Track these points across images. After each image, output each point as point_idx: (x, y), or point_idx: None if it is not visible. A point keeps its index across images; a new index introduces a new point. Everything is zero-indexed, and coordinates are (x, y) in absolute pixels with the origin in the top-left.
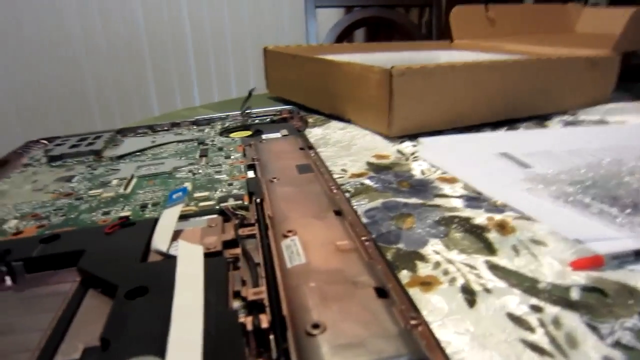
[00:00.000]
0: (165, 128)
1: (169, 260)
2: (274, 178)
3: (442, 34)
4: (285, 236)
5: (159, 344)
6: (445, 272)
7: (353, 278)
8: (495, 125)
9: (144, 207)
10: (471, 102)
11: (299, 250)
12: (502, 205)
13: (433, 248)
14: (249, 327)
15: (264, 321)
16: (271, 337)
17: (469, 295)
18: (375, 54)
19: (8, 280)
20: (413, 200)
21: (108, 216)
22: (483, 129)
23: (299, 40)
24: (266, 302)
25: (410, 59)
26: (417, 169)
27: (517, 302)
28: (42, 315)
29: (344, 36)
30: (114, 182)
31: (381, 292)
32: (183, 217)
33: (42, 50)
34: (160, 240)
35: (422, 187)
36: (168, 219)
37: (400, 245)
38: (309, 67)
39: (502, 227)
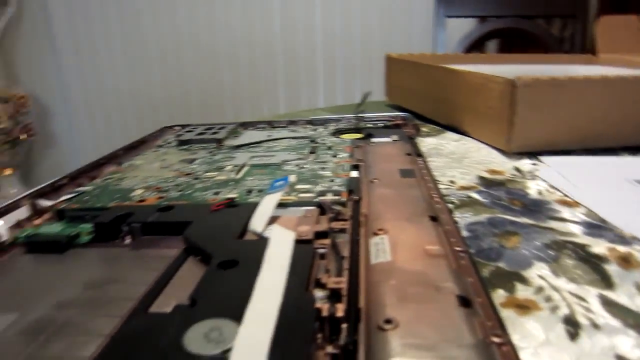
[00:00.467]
0: (283, 125)
1: (262, 241)
2: (375, 179)
3: (587, 49)
4: (376, 234)
5: (239, 312)
6: (548, 299)
7: (436, 283)
8: (635, 150)
9: (249, 191)
10: (608, 122)
11: (386, 248)
12: (630, 237)
13: (538, 272)
14: (325, 313)
15: (339, 310)
16: (344, 326)
17: (572, 328)
18: (505, 65)
19: (128, 239)
20: (523, 220)
21: (217, 196)
22: (619, 152)
23: (426, 50)
24: (344, 292)
25: (543, 72)
26: (533, 189)
27: (631, 344)
28: (149, 273)
29: (475, 48)
30: (228, 167)
31: (464, 301)
32: (283, 205)
33: (193, 51)
34: (257, 222)
35: (536, 208)
36: (267, 204)
37: (501, 264)
38: (429, 75)
39: (626, 261)
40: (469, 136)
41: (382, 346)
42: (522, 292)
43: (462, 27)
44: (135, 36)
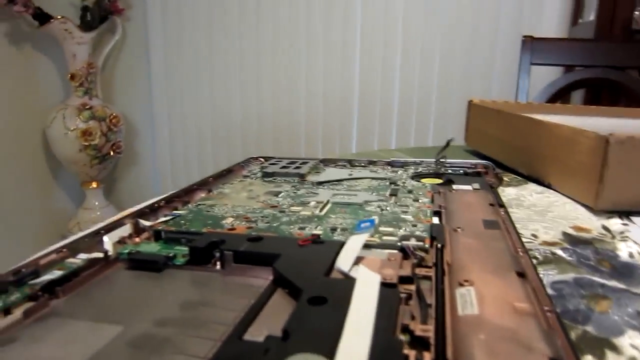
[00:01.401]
0: (362, 164)
1: (349, 281)
2: (458, 227)
3: None
4: (462, 285)
5: (330, 348)
6: None
7: (527, 342)
8: None
9: (334, 229)
10: None
11: (473, 300)
12: None
13: (631, 341)
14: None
15: (427, 358)
16: None
17: None
18: (592, 118)
19: (218, 265)
20: (613, 283)
21: (303, 231)
22: None
23: (507, 97)
24: (432, 341)
25: (636, 127)
26: (624, 250)
27: None
28: (238, 300)
29: (559, 97)
30: (312, 203)
31: None
32: (366, 246)
33: (273, 89)
34: (344, 261)
35: (627, 271)
36: (354, 244)
37: (589, 328)
38: (512, 124)
39: None
40: (552, 189)
41: None
42: None
43: (546, 75)
44: (220, 70)
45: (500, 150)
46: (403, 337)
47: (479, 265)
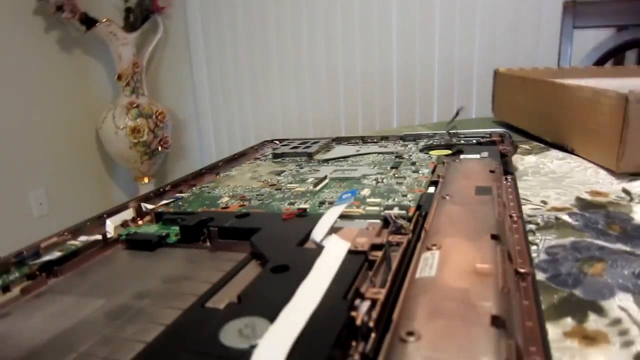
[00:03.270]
0: (375, 140)
1: (318, 250)
2: (447, 195)
3: None
4: (429, 249)
5: (274, 313)
6: (622, 333)
7: (474, 301)
8: None
9: (322, 203)
10: None
11: (434, 263)
12: None
13: (620, 303)
14: (358, 321)
15: (371, 320)
16: (373, 335)
17: None
18: (633, 79)
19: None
20: (616, 246)
21: (292, 206)
22: None
23: (552, 65)
24: (379, 304)
25: None
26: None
27: None
28: (218, 273)
29: (609, 59)
30: (310, 180)
31: (498, 322)
32: (349, 217)
33: (312, 77)
34: (318, 232)
35: (636, 235)
36: (330, 215)
37: (576, 291)
38: (536, 90)
39: None
40: (576, 155)
41: (399, 357)
42: (594, 323)
43: (595, 40)
44: (260, 62)
45: (525, 118)
46: (365, 303)
47: (455, 230)
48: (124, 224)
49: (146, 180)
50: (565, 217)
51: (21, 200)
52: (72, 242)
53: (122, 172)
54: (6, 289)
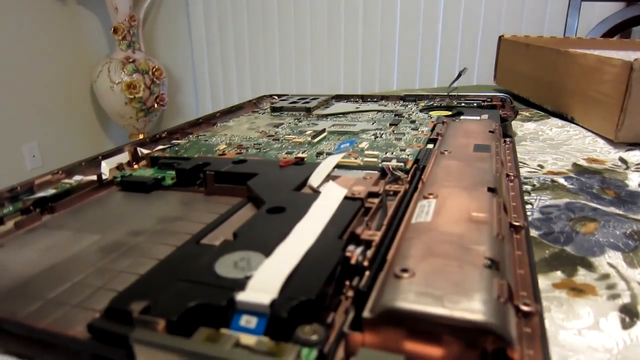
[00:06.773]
0: (375, 99)
1: (314, 194)
2: (446, 150)
3: None
4: (426, 197)
5: (270, 249)
6: (610, 287)
7: (468, 245)
8: None
9: (320, 154)
10: None
11: (430, 210)
12: None
13: (609, 260)
14: (353, 261)
15: (365, 259)
16: (367, 273)
17: (629, 317)
18: (630, 51)
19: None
20: (609, 209)
21: (290, 156)
22: None
23: (558, 35)
24: (374, 244)
25: None
26: (635, 181)
27: None
28: (212, 215)
29: (616, 33)
30: (308, 132)
31: (491, 263)
32: (347, 167)
33: (312, 37)
34: (315, 178)
35: (630, 200)
36: (328, 163)
37: (567, 248)
38: (539, 58)
39: None
40: (575, 124)
41: (392, 291)
42: (583, 277)
43: (604, 13)
44: (259, 20)
45: (527, 86)
46: (358, 246)
47: (453, 182)
48: (119, 167)
49: (141, 137)
50: (561, 180)
51: (14, 153)
52: (67, 180)
53: (116, 129)
54: (0, 222)
